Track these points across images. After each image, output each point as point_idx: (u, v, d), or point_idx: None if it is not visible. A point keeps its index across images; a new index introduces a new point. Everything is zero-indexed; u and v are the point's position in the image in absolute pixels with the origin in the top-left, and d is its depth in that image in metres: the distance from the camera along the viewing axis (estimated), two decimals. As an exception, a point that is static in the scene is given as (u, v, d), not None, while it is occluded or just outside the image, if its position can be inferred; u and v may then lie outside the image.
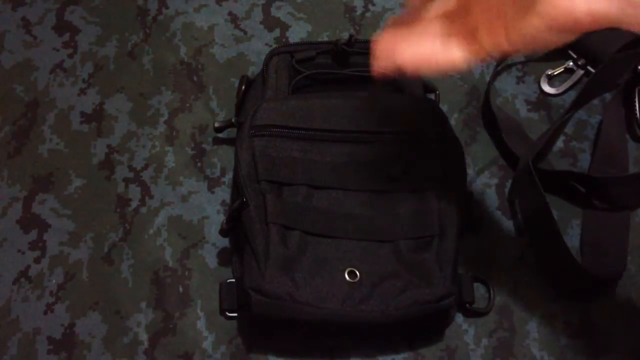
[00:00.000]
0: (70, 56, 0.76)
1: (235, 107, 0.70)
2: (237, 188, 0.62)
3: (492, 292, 0.63)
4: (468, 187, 0.63)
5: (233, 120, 0.67)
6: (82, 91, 0.74)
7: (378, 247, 0.59)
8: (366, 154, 0.63)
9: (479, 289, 0.64)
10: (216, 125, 0.68)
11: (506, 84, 0.74)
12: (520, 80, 0.74)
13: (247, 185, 0.60)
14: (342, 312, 0.55)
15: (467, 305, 0.62)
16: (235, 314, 0.62)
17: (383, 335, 0.62)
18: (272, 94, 0.66)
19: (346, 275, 0.57)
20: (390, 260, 0.59)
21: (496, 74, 0.73)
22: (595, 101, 0.73)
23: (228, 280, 0.62)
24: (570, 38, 0.40)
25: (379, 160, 0.62)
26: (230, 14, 0.78)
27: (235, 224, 0.60)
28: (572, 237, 0.67)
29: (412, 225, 0.60)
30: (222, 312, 0.63)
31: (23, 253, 0.66)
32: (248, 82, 0.70)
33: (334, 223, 0.60)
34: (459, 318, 0.63)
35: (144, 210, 0.68)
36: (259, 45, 0.76)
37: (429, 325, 0.61)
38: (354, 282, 0.57)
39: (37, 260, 0.66)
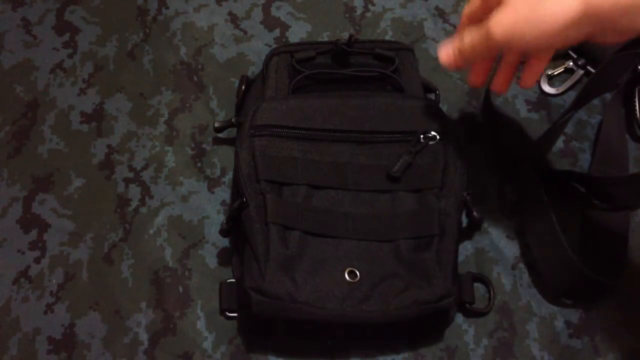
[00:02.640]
0: (70, 56, 0.76)
1: (235, 107, 0.70)
2: (237, 188, 0.62)
3: (492, 292, 0.63)
4: (468, 187, 0.63)
5: (233, 120, 0.67)
6: (82, 91, 0.74)
7: (378, 247, 0.59)
8: (366, 154, 0.63)
9: (479, 289, 0.64)
10: (216, 125, 0.68)
11: (506, 84, 0.74)
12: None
13: (247, 185, 0.60)
14: (342, 312, 0.55)
15: (467, 305, 0.62)
16: (235, 314, 0.62)
17: (383, 335, 0.62)
18: (272, 94, 0.66)
19: (346, 275, 0.57)
20: (390, 260, 0.59)
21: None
22: (595, 101, 0.73)
23: (228, 280, 0.62)
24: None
25: (379, 160, 0.62)
26: (230, 14, 0.78)
27: (235, 224, 0.60)
28: (572, 237, 0.66)
29: (412, 225, 0.60)
30: (222, 312, 0.63)
31: (23, 253, 0.66)
32: (248, 82, 0.70)
33: (334, 223, 0.60)
34: (459, 318, 0.63)
35: (144, 210, 0.68)
36: (259, 45, 0.76)
37: (429, 325, 0.61)
38: (354, 282, 0.57)
39: (37, 260, 0.66)
